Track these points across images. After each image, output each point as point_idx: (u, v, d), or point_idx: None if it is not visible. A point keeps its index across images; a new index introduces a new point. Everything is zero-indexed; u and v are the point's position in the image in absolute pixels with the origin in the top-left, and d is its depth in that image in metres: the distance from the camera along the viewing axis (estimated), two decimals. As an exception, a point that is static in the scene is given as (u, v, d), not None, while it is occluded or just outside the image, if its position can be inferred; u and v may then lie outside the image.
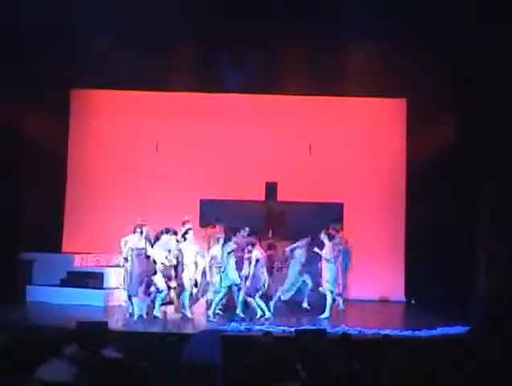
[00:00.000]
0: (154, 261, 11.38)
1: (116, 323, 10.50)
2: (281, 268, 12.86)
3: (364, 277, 13.57)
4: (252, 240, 11.60)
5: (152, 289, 11.44)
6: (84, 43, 12.30)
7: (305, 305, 12.37)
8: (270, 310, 11.46)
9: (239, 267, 11.46)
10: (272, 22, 11.75)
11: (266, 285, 11.45)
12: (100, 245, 13.72)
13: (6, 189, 13.15)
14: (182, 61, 13.44)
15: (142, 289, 11.42)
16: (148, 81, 14.14)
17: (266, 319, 11.10)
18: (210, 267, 11.44)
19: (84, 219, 14.99)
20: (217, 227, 12.42)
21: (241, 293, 11.36)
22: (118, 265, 12.20)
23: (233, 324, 10.56)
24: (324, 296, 11.80)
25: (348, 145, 15.19)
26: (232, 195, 14.72)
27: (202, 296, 11.83)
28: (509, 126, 11.17)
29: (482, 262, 11.78)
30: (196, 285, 11.69)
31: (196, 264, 11.64)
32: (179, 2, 11.58)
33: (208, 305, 11.70)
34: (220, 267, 11.30)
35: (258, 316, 11.27)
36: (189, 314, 11.34)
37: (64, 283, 13.21)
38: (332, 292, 11.74)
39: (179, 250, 11.54)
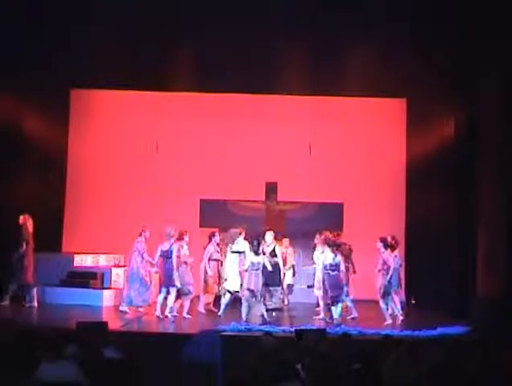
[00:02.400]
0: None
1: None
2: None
3: (364, 278, 13.52)
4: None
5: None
6: (83, 43, 12.28)
7: None
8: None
9: None
10: (272, 21, 11.75)
11: None
12: (100, 245, 13.69)
13: (7, 189, 13.14)
14: (182, 61, 13.43)
15: None
16: (148, 81, 14.14)
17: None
18: None
19: (84, 219, 15.00)
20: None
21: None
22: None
23: (233, 324, 10.53)
24: None
25: (348, 145, 15.21)
26: (232, 195, 14.72)
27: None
28: (510, 126, 11.17)
29: (482, 262, 11.78)
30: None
31: None
32: (178, 1, 11.59)
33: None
34: None
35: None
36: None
37: (64, 283, 13.21)
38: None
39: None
